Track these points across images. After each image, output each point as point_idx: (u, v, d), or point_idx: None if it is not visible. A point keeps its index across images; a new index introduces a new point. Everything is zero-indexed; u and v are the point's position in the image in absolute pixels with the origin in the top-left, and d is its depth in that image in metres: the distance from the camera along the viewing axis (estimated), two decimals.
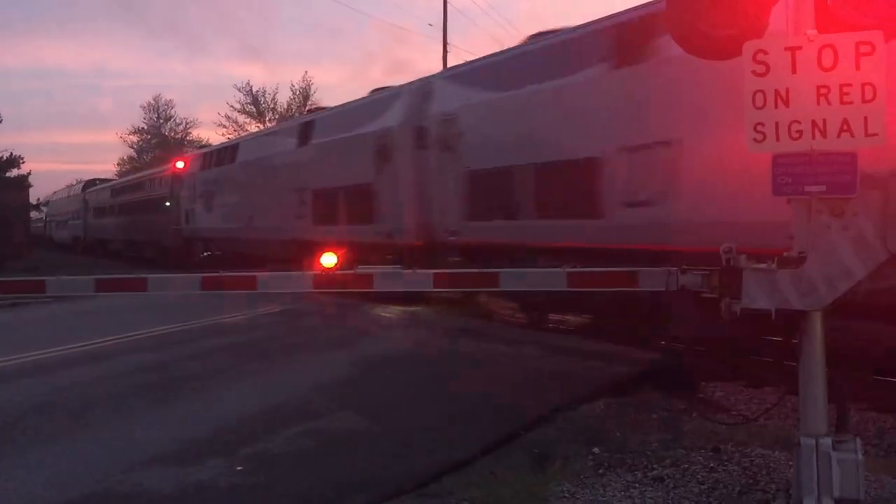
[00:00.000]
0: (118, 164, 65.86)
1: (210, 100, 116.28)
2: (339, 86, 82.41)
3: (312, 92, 51.47)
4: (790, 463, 4.29)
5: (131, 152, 63.46)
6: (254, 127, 51.32)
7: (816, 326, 3.95)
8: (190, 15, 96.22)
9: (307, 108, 46.95)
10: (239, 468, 5.32)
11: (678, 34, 4.49)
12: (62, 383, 8.17)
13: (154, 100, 62.25)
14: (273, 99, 51.75)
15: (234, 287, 5.32)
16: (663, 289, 4.47)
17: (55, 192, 55.80)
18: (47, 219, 53.58)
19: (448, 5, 32.14)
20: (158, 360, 9.40)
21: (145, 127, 62.01)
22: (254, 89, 51.79)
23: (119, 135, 74.76)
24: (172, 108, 62.34)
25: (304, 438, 5.97)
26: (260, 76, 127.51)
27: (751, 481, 4.64)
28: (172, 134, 61.86)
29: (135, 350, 10.11)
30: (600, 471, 5.00)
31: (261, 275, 5.27)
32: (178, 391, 7.67)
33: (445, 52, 33.40)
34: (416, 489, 4.91)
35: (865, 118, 3.77)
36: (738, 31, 4.17)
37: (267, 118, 51.58)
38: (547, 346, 9.83)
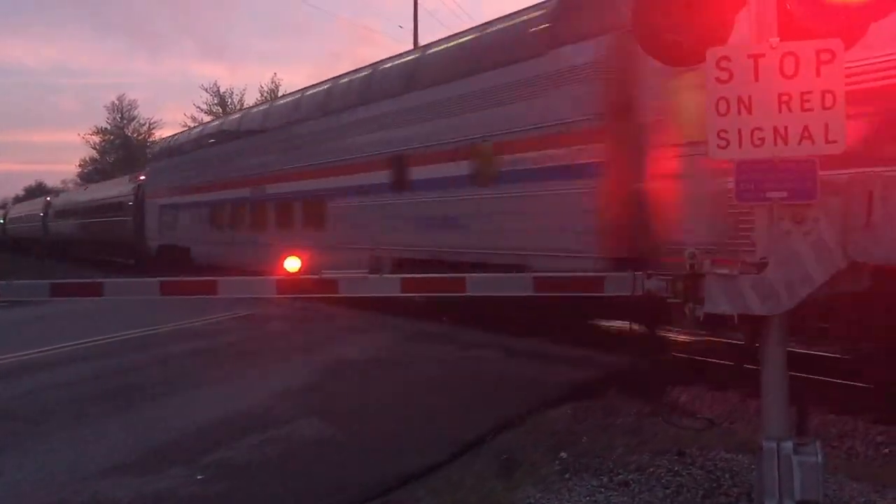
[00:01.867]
0: (80, 165, 64.85)
1: (174, 100, 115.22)
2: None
3: (281, 94, 51.07)
4: (753, 466, 4.32)
5: (94, 153, 62.50)
6: None
7: (778, 331, 3.99)
8: (153, 13, 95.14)
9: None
10: (199, 477, 5.22)
11: (643, 41, 4.52)
12: (18, 391, 7.97)
13: (118, 100, 61.57)
14: (241, 100, 51.26)
15: (194, 292, 5.21)
16: (629, 293, 4.48)
17: (185, 130, 28.52)
18: (148, 196, 24.65)
19: (418, 7, 32.09)
20: (119, 366, 9.21)
21: (108, 127, 61.14)
22: (221, 90, 51.24)
23: (81, 135, 73.61)
24: (136, 108, 61.63)
25: (267, 446, 5.88)
26: (225, 76, 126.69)
27: (714, 485, 4.67)
28: (136, 135, 61.05)
29: (95, 356, 9.89)
30: (566, 476, 4.99)
31: (222, 279, 5.18)
32: (139, 398, 7.51)
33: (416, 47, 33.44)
34: (381, 496, 4.86)
35: (826, 125, 3.81)
36: (702, 37, 4.21)
37: None
38: (512, 350, 9.83)
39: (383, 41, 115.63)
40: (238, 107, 50.80)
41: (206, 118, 50.78)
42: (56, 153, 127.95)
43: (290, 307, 13.79)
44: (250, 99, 52.44)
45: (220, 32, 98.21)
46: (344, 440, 6.08)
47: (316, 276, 5.10)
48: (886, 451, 5.73)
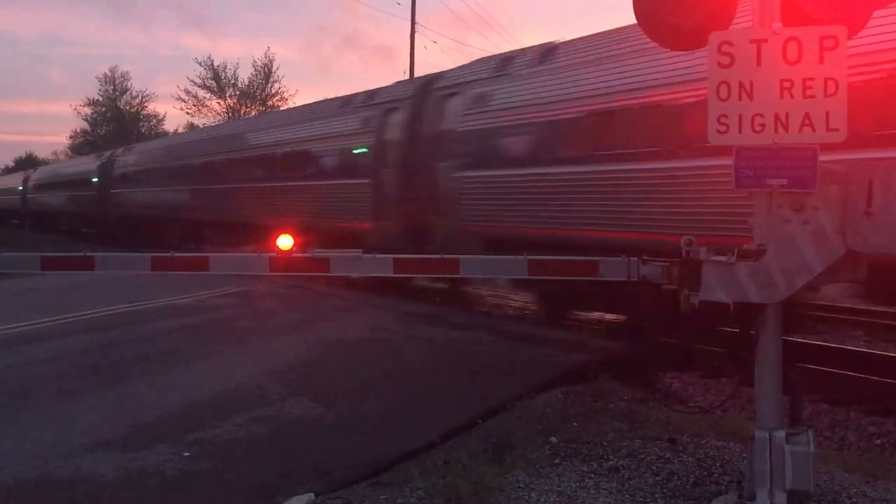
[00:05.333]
0: (71, 137, 64.32)
1: (166, 73, 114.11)
2: (299, 60, 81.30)
3: (275, 68, 50.68)
4: (744, 455, 4.30)
5: (85, 125, 61.94)
6: (214, 103, 50.18)
7: (773, 320, 3.96)
8: None
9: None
10: (186, 454, 5.17)
11: (645, 24, 4.45)
12: (1, 364, 7.88)
13: (110, 71, 60.81)
14: (234, 74, 50.76)
15: (185, 268, 5.14)
16: (625, 279, 4.44)
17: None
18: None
19: None
20: (106, 341, 9.12)
21: (100, 99, 60.50)
22: (215, 63, 50.68)
23: (73, 106, 73.06)
24: (129, 80, 60.96)
25: (256, 425, 5.83)
26: (214, 49, 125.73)
27: (705, 473, 4.65)
28: (128, 107, 60.50)
29: (82, 330, 9.81)
30: (556, 460, 4.96)
31: (213, 256, 5.12)
32: (126, 374, 7.44)
33: (413, 30, 33.39)
34: (369, 478, 4.83)
35: (827, 113, 3.76)
36: (704, 21, 4.14)
37: (227, 94, 50.64)
38: (504, 332, 9.81)
39: (369, 13, 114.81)
40: (233, 80, 50.23)
41: (200, 92, 50.29)
42: (46, 124, 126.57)
43: (283, 285, 13.73)
44: (244, 73, 52.06)
45: (210, 5, 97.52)
46: (333, 420, 6.04)
47: (308, 255, 5.04)
48: (878, 442, 5.74)
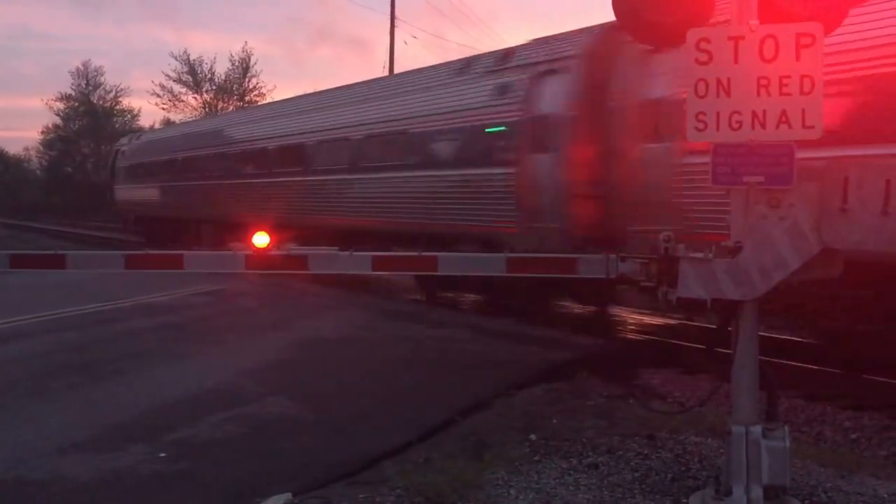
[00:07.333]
0: (43, 132, 63.17)
1: (141, 67, 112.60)
2: (280, 57, 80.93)
3: (252, 63, 50.23)
4: (722, 450, 4.33)
5: (57, 120, 60.83)
6: (191, 98, 49.78)
7: (750, 316, 3.98)
8: None
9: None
10: (162, 455, 5.11)
11: (624, 21, 4.45)
12: None
13: (83, 65, 59.65)
14: (210, 69, 50.23)
15: (159, 266, 5.07)
16: (603, 276, 4.44)
17: None
18: None
19: None
20: (81, 340, 9.02)
21: (73, 94, 59.44)
22: (191, 58, 50.13)
23: (45, 101, 71.72)
24: (102, 74, 59.92)
25: (232, 424, 5.78)
26: (193, 44, 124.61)
27: (683, 469, 4.67)
28: (102, 102, 59.57)
29: (56, 329, 9.68)
30: (536, 458, 4.96)
31: (188, 254, 5.05)
32: (101, 374, 7.35)
33: (393, 26, 33.31)
34: (347, 477, 4.79)
35: (803, 110, 3.78)
36: (683, 18, 4.14)
37: (204, 89, 50.13)
38: (483, 330, 9.81)
39: (346, 7, 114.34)
40: (209, 75, 49.80)
41: (176, 87, 49.78)
42: (16, 119, 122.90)
43: (261, 283, 13.63)
44: (221, 68, 51.54)
45: None
46: (312, 419, 6.00)
47: (285, 252, 4.99)
48: (854, 436, 5.80)
